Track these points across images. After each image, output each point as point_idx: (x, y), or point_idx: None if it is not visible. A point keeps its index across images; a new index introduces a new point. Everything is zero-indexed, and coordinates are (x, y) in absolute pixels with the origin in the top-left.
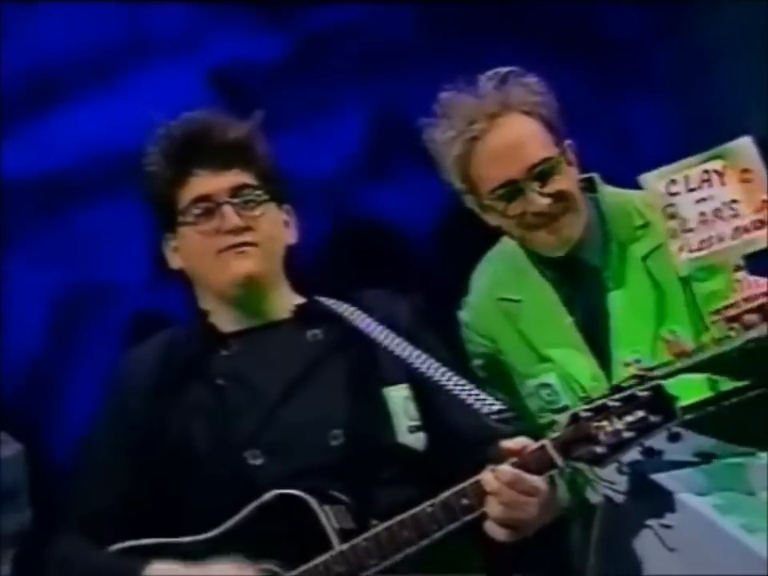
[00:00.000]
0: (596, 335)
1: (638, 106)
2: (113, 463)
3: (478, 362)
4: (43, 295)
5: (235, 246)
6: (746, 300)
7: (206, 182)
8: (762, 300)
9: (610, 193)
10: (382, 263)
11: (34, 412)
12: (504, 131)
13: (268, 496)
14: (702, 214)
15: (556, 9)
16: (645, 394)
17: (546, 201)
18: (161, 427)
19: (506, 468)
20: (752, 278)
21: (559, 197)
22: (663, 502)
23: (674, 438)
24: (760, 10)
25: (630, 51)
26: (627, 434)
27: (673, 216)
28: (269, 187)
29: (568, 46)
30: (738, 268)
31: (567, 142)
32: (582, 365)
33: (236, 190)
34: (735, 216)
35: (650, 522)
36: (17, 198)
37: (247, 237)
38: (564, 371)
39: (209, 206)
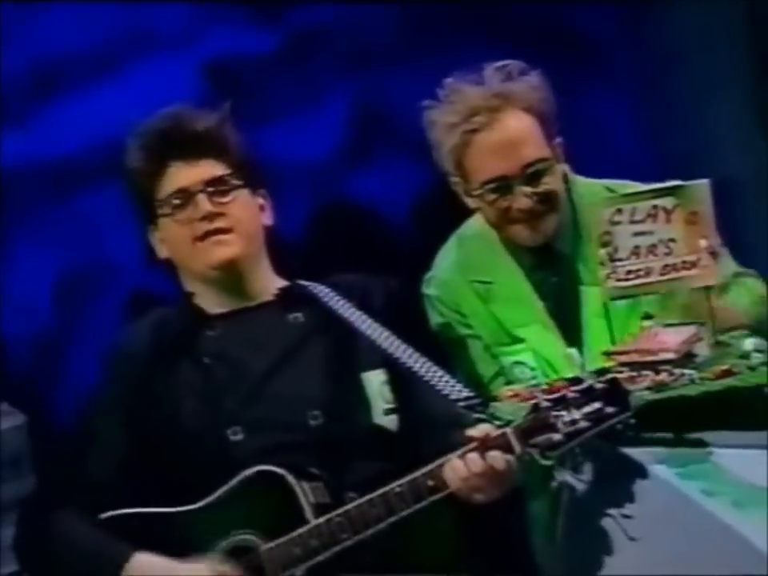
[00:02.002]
0: (568, 322)
1: (604, 101)
2: (109, 435)
3: (443, 334)
4: (47, 273)
5: (210, 233)
6: (639, 352)
7: (182, 174)
8: (651, 357)
9: (580, 183)
10: (363, 244)
11: (38, 385)
12: (503, 128)
13: (249, 471)
14: (636, 246)
15: (528, 9)
16: (601, 386)
17: (533, 201)
18: (153, 403)
19: (474, 457)
20: (654, 331)
21: (545, 197)
22: (626, 469)
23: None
24: (722, 10)
25: (598, 49)
26: (583, 424)
27: (606, 244)
28: (241, 174)
29: (539, 43)
30: (646, 316)
31: (558, 139)
32: (553, 347)
33: (209, 181)
34: (668, 254)
35: (612, 494)
36: (25, 182)
37: (220, 222)
38: (537, 352)
39: (184, 196)
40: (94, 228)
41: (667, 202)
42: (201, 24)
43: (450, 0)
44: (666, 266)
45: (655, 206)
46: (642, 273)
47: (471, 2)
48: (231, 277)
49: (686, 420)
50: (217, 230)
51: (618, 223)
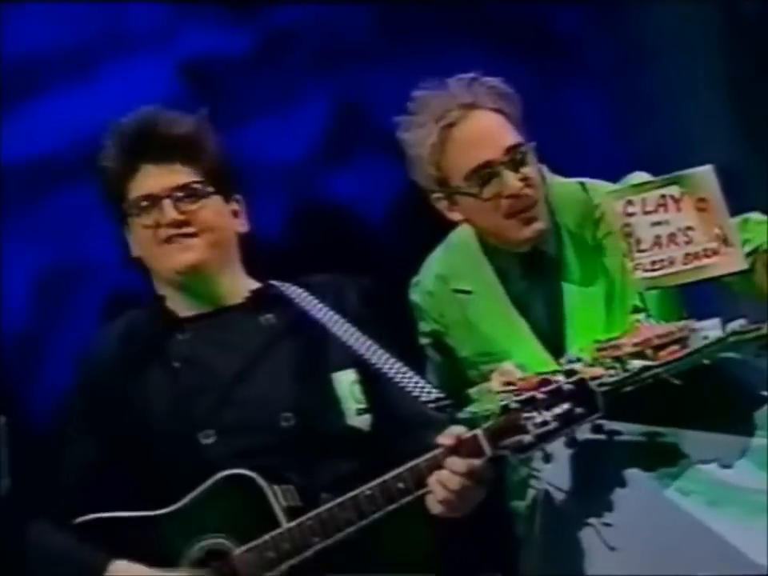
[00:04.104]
0: (554, 325)
1: (578, 99)
2: (81, 440)
3: (426, 341)
4: (26, 273)
5: (175, 237)
6: (635, 345)
7: (152, 177)
8: (648, 345)
9: (557, 183)
10: (340, 245)
11: (15, 385)
12: (478, 119)
13: (220, 475)
14: (658, 236)
15: (504, 8)
16: (570, 387)
17: (520, 184)
18: (124, 407)
19: (457, 461)
20: (647, 324)
21: (531, 183)
22: (603, 469)
23: (571, 443)
24: (695, 8)
25: (573, 47)
26: (553, 425)
27: (629, 235)
28: (214, 181)
29: (514, 42)
30: (637, 310)
31: (530, 144)
32: (529, 355)
33: (177, 187)
34: (689, 242)
35: (589, 492)
36: (2, 181)
37: (186, 229)
38: (514, 358)
39: (152, 200)
40: (71, 227)
41: (673, 190)
42: (176, 24)
43: None
44: (688, 254)
45: (663, 196)
46: (665, 263)
47: (447, 1)
48: (196, 281)
49: (650, 410)
50: (182, 235)
51: (632, 214)
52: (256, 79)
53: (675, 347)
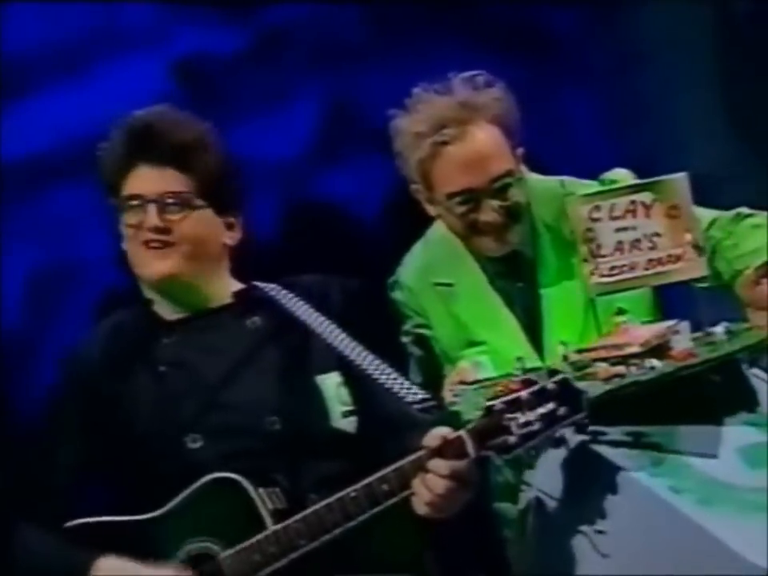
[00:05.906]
0: (533, 325)
1: (573, 97)
2: (67, 442)
3: (408, 337)
4: (19, 271)
5: (153, 243)
6: (606, 348)
7: (143, 178)
8: (649, 345)
9: (535, 180)
10: (333, 243)
11: (9, 384)
12: (472, 141)
13: (207, 478)
14: (620, 242)
15: (498, 8)
16: (554, 387)
17: (499, 215)
18: (110, 410)
19: (440, 463)
20: (633, 325)
21: (511, 210)
22: (595, 466)
23: (556, 444)
24: (687, 9)
25: (567, 47)
26: (537, 425)
27: (590, 240)
28: (207, 192)
29: (508, 42)
30: (620, 311)
31: (520, 149)
32: (514, 346)
33: (165, 194)
34: (653, 248)
35: (580, 491)
36: None
37: (164, 237)
38: (496, 352)
39: (139, 201)
40: (65, 227)
41: (645, 197)
42: (170, 23)
43: None
44: (651, 260)
45: (633, 202)
46: (626, 268)
47: (441, 1)
48: (173, 289)
49: (639, 410)
50: (159, 242)
51: (597, 219)
52: (249, 78)
53: (692, 348)
